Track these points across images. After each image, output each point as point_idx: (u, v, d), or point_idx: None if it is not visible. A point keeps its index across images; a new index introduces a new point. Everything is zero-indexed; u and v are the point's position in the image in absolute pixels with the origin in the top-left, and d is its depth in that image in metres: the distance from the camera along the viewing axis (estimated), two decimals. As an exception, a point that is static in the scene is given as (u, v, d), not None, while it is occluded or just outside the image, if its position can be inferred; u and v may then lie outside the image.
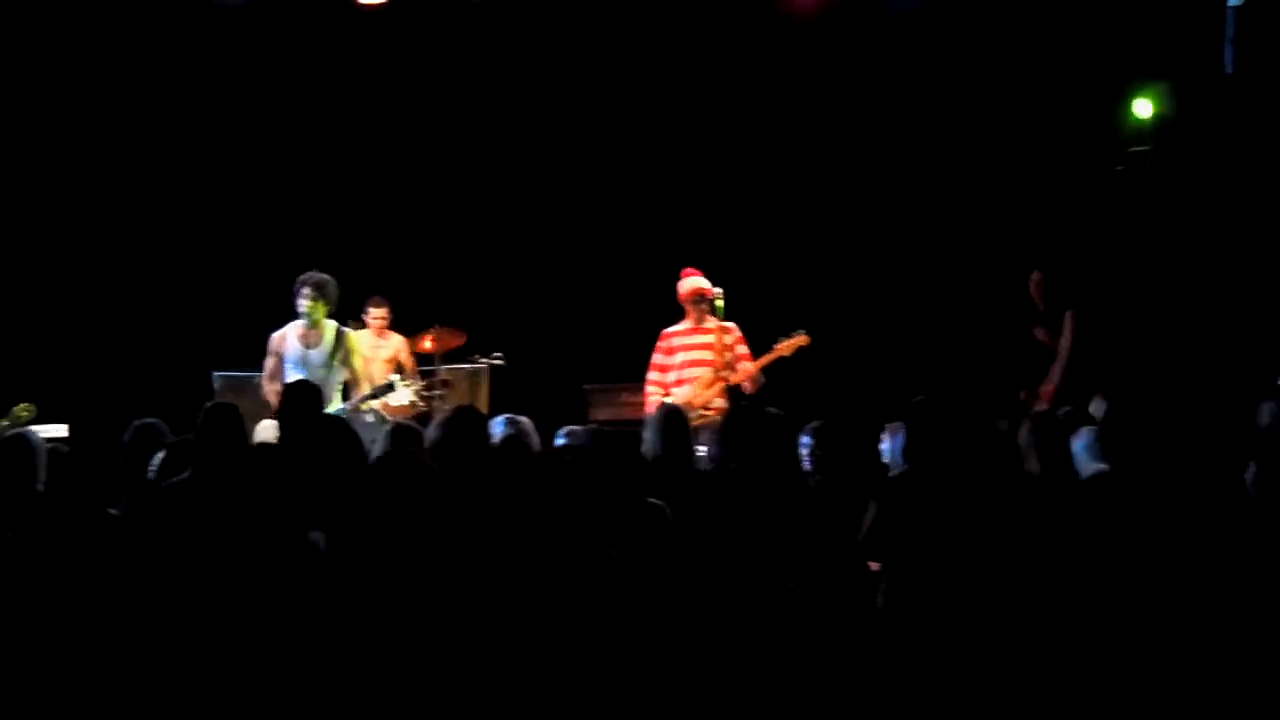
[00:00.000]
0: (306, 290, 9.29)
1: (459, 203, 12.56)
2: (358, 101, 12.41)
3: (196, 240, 12.26)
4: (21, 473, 6.10)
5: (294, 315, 9.36)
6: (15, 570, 5.59)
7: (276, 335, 9.38)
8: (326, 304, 9.33)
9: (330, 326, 9.37)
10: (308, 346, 9.31)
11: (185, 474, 6.03)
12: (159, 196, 12.26)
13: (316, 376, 8.90)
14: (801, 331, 9.89)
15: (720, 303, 9.86)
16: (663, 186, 12.53)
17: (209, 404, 6.13)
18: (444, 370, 11.05)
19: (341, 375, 9.40)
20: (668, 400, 9.23)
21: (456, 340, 11.19)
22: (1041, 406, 9.02)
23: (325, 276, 9.37)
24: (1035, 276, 10.20)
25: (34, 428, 7.70)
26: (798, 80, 12.34)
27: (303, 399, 6.36)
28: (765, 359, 9.88)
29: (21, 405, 9.54)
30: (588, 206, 12.58)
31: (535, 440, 6.74)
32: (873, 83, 12.28)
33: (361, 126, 12.44)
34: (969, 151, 12.17)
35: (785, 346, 9.87)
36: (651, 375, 10.02)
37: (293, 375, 9.02)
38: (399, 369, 10.91)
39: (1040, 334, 10.02)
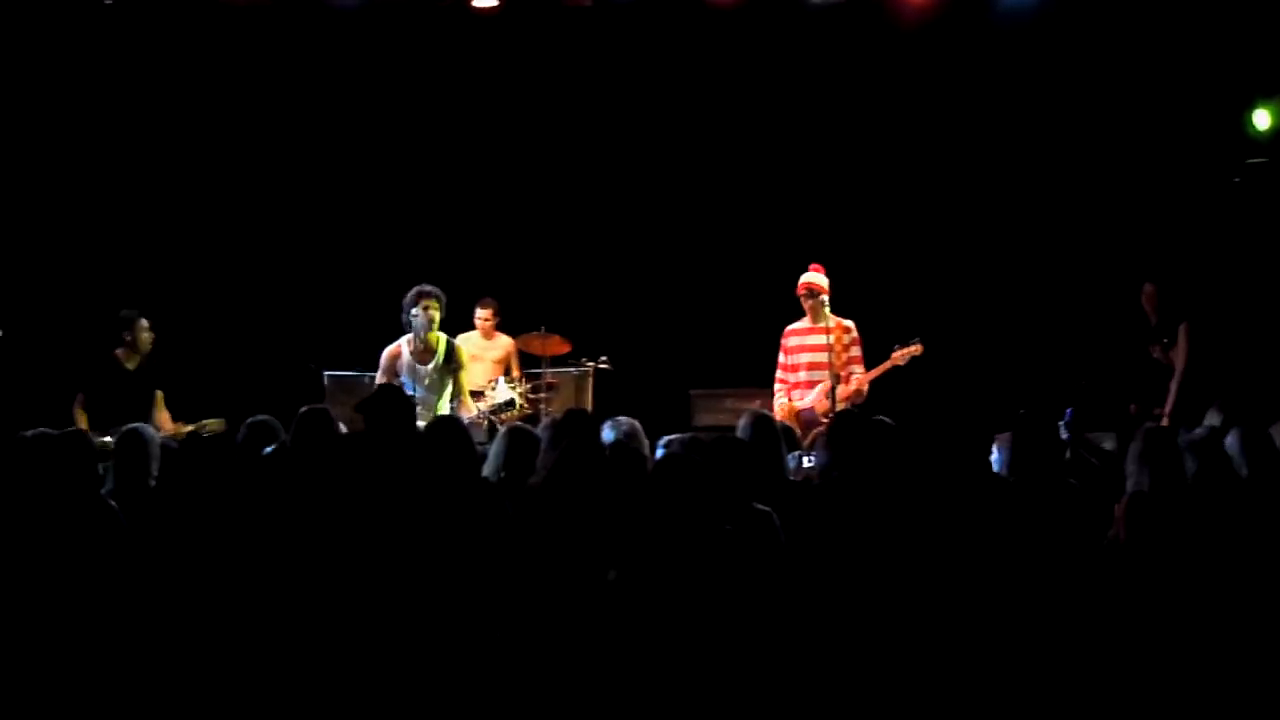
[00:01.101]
0: (429, 301, 9.34)
1: (569, 205, 12.61)
2: (469, 105, 12.50)
3: (312, 242, 12.41)
4: (136, 467, 6.24)
5: (403, 323, 9.41)
6: (127, 561, 5.71)
7: (389, 351, 9.42)
8: (443, 314, 9.43)
9: (442, 338, 9.46)
10: (422, 362, 9.39)
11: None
12: (274, 199, 12.42)
13: (432, 389, 9.18)
14: (917, 340, 9.82)
15: (825, 307, 9.78)
16: (775, 193, 12.50)
17: (303, 409, 6.18)
18: (549, 373, 11.10)
19: (449, 385, 9.48)
20: (756, 408, 9.19)
21: (563, 344, 11.23)
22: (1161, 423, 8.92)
23: (438, 289, 9.46)
24: (1147, 289, 10.05)
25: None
26: (914, 85, 12.27)
27: (391, 405, 6.41)
28: (880, 368, 9.84)
29: (212, 420, 9.67)
30: (695, 213, 12.57)
31: (645, 443, 6.76)
32: (989, 90, 12.18)
33: (472, 130, 12.52)
34: (1086, 162, 12.04)
35: (900, 355, 9.82)
36: (778, 374, 10.01)
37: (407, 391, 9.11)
38: (506, 370, 11.01)
39: (1156, 353, 9.87)
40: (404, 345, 9.40)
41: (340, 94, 12.35)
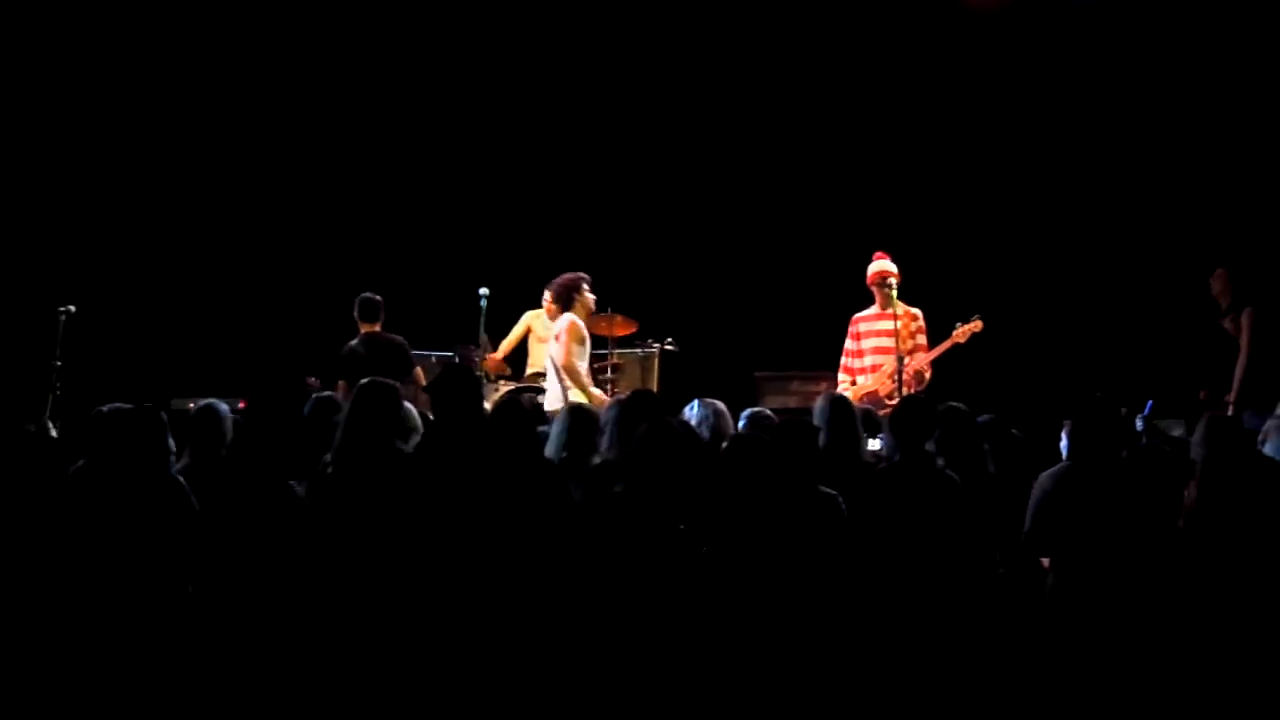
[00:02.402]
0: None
1: (636, 189, 12.64)
2: (532, 86, 12.56)
3: (382, 223, 12.53)
4: (210, 441, 6.32)
5: (567, 300, 9.71)
6: (197, 534, 5.79)
7: (579, 322, 9.67)
8: None
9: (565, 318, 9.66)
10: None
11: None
12: (344, 179, 12.56)
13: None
14: (976, 317, 9.78)
15: (894, 292, 9.76)
16: (839, 176, 12.48)
17: (363, 381, 6.21)
18: (615, 354, 11.13)
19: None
20: (836, 391, 9.22)
21: (629, 325, 11.26)
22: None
23: None
24: (1217, 273, 9.96)
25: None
26: (977, 72, 12.22)
27: (459, 382, 6.43)
28: (941, 347, 9.79)
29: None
30: (761, 197, 12.58)
31: (729, 423, 6.78)
32: (1057, 73, 12.11)
33: (538, 112, 12.59)
34: (1154, 145, 11.95)
35: (961, 333, 9.77)
36: (844, 361, 10.02)
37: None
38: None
39: (1228, 324, 9.77)
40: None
41: (408, 75, 12.46)
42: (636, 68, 12.51)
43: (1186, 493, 6.09)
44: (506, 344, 11.24)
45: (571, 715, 5.30)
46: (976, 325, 9.75)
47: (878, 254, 9.96)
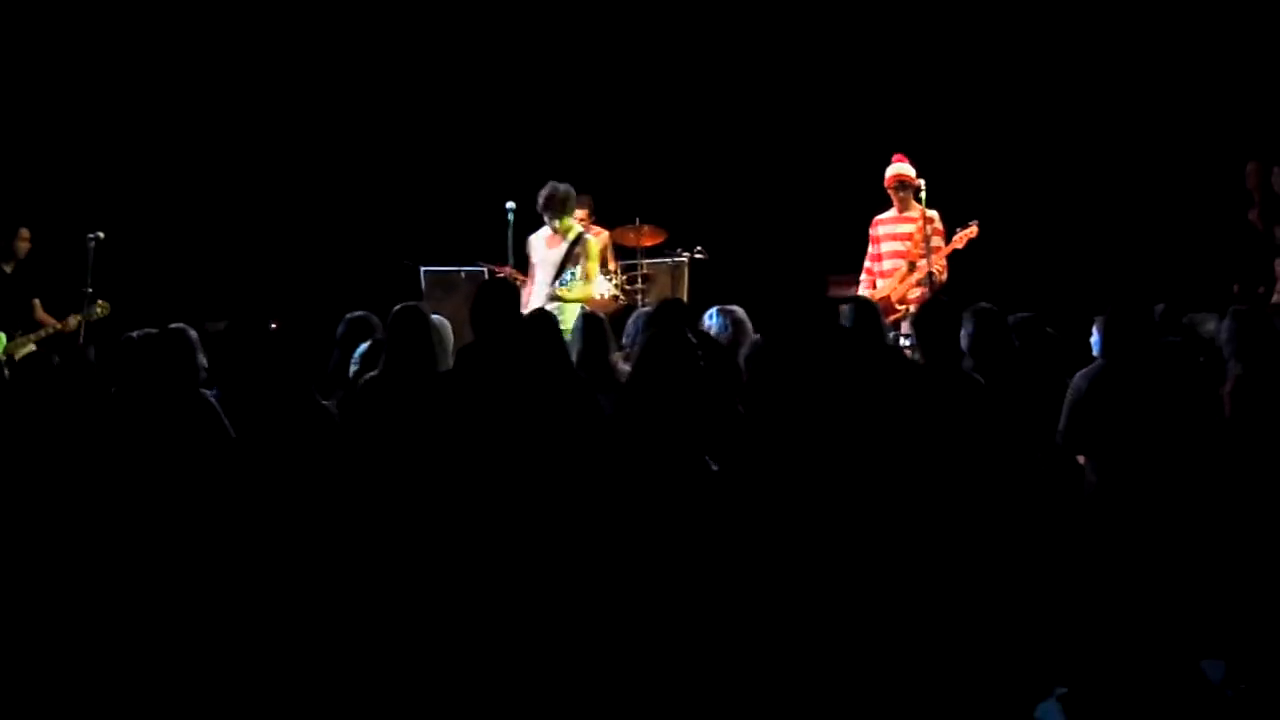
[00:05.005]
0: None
1: (662, 98, 12.56)
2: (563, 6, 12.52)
3: (410, 140, 12.51)
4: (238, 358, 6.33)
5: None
6: (229, 454, 5.82)
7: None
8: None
9: (574, 229, 9.59)
10: (549, 248, 9.58)
11: (377, 371, 6.16)
12: (369, 95, 12.54)
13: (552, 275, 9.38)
14: (973, 222, 9.71)
15: (923, 194, 9.68)
16: (863, 81, 12.36)
17: (397, 306, 6.21)
18: (645, 264, 11.11)
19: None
20: (860, 293, 9.22)
21: (658, 235, 11.23)
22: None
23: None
24: (1251, 166, 9.86)
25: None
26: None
27: (497, 298, 6.41)
28: (944, 250, 9.70)
29: (100, 304, 10.07)
30: (786, 101, 12.48)
31: (750, 330, 6.79)
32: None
33: (566, 25, 12.51)
34: (1185, 39, 11.78)
35: (959, 239, 9.72)
36: (866, 264, 9.99)
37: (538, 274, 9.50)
38: (603, 263, 11.02)
39: (1253, 216, 9.69)
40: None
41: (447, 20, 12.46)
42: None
43: (1223, 390, 6.07)
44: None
45: (610, 630, 5.32)
46: (973, 231, 9.68)
47: (896, 156, 9.89)
